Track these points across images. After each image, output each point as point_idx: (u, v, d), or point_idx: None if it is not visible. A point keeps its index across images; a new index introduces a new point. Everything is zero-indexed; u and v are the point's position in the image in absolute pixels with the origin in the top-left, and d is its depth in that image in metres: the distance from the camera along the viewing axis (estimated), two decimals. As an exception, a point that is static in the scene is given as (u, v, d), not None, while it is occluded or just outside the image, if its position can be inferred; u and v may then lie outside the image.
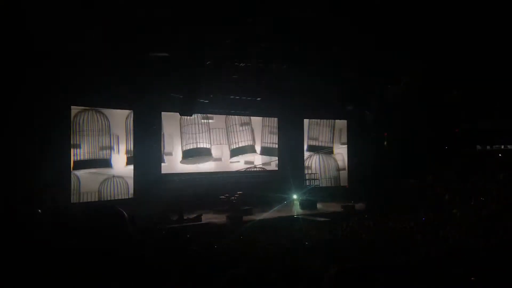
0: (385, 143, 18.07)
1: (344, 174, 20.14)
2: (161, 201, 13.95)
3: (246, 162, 18.27)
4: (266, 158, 18.77)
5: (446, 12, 11.58)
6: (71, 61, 11.89)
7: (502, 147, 18.77)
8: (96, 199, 13.98)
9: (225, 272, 2.30)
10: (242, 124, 18.20)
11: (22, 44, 10.82)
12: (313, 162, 19.72)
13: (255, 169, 18.39)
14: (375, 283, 1.35)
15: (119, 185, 14.65)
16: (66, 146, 13.36)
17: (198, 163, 16.90)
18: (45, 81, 11.97)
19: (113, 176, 14.64)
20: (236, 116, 17.93)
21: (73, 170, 13.59)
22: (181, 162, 16.52)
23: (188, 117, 16.20)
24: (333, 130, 20.19)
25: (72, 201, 13.27)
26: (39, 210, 6.61)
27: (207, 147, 17.14)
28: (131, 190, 14.87)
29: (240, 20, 11.22)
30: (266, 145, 18.73)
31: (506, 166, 16.91)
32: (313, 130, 19.84)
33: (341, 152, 20.21)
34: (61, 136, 13.10)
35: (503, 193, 15.01)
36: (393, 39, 12.69)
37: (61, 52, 11.49)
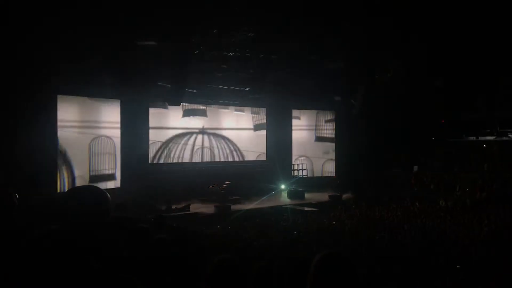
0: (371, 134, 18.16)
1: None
2: (149, 191, 13.87)
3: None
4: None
5: (432, 5, 11.65)
6: (58, 51, 11.68)
7: (488, 138, 19.06)
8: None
9: (213, 257, 2.29)
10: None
11: (9, 35, 10.59)
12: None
13: None
14: (357, 269, 1.37)
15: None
16: (52, 136, 13.15)
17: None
18: (31, 71, 11.75)
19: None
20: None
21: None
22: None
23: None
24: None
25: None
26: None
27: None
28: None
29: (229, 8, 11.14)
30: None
31: (490, 157, 17.21)
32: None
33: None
34: (47, 126, 12.88)
35: (487, 183, 15.30)
36: (381, 31, 12.73)
37: (48, 42, 11.28)
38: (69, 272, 1.19)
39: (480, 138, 19.16)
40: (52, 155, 13.07)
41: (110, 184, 14.48)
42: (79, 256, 1.20)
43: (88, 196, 1.29)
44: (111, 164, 14.71)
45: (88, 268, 1.21)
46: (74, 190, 1.18)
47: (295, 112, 19.62)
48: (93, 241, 1.22)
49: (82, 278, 1.17)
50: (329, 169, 20.05)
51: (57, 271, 1.19)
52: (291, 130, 19.43)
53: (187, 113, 16.84)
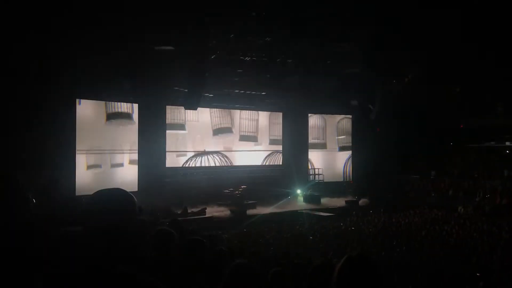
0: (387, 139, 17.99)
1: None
2: (165, 194, 13.98)
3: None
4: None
5: (448, 8, 11.52)
6: (78, 55, 11.89)
7: (507, 143, 18.70)
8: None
9: (229, 261, 2.30)
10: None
11: (31, 39, 10.81)
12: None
13: None
14: (381, 271, 1.36)
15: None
16: (71, 138, 13.37)
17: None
18: (51, 75, 11.98)
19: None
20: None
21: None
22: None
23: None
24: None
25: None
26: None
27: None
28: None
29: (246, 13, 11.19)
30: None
31: (511, 163, 16.86)
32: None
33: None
34: (66, 129, 13.11)
35: (508, 189, 14.98)
36: (397, 35, 12.62)
37: (68, 47, 11.49)
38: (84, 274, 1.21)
39: (500, 144, 18.80)
40: (71, 157, 13.32)
41: (127, 123, 15.02)
42: (99, 257, 1.22)
43: (114, 199, 1.31)
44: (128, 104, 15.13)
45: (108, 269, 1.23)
46: (100, 193, 1.18)
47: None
48: (118, 243, 1.24)
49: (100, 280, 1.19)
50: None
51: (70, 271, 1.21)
52: (307, 134, 19.36)
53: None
